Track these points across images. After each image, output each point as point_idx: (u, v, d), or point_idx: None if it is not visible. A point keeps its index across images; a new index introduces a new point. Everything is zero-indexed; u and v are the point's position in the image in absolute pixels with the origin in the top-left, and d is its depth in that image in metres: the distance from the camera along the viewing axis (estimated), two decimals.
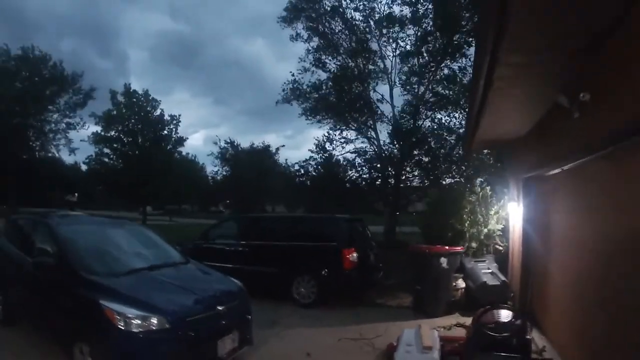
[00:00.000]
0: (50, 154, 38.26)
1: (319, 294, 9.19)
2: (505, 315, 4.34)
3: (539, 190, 7.64)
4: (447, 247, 8.70)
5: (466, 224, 9.51)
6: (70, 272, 5.13)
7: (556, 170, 6.21)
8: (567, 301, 5.66)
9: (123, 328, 4.41)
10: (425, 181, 19.57)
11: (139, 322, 4.46)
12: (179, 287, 5.26)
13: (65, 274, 5.16)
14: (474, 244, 9.48)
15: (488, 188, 10.05)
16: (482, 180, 11.70)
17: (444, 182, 18.49)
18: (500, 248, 9.65)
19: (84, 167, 44.83)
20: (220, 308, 5.10)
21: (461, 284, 8.87)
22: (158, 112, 40.05)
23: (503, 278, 8.64)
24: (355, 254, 9.16)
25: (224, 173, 52.00)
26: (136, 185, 37.53)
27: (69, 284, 5.06)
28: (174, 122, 40.93)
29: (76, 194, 62.53)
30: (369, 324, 7.73)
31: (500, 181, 11.05)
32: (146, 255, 6.17)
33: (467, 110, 17.11)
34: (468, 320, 7.76)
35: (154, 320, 4.50)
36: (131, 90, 39.28)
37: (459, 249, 8.83)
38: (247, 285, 6.31)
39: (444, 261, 8.44)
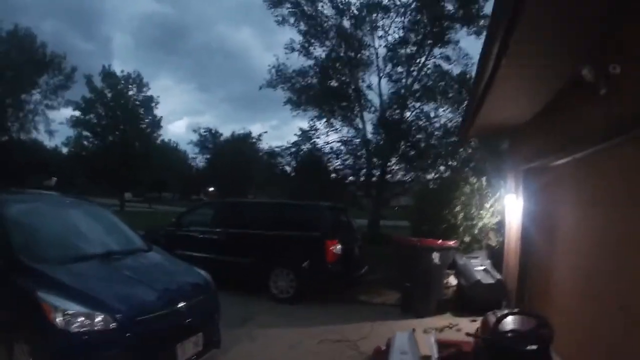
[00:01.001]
0: (27, 136, 36.95)
1: (298, 289, 8.43)
2: (522, 321, 3.61)
3: (541, 182, 7.01)
4: (439, 241, 7.93)
5: (459, 217, 8.82)
6: (9, 256, 4.27)
7: (564, 160, 5.62)
8: (575, 302, 5.06)
9: (61, 326, 3.64)
10: (411, 173, 18.98)
11: (81, 319, 3.68)
12: (133, 279, 4.46)
13: (4, 258, 4.31)
14: (467, 239, 8.81)
15: (484, 179, 9.36)
16: (474, 171, 11.02)
17: (428, 177, 18.03)
18: (494, 244, 9.00)
19: (64, 151, 43.65)
20: (181, 305, 4.33)
21: (453, 281, 8.20)
22: (133, 92, 39.20)
23: (498, 276, 8.03)
24: (339, 246, 8.41)
25: (204, 161, 51.31)
26: (114, 170, 36.55)
27: (7, 271, 4.22)
28: (152, 103, 40.11)
29: (54, 179, 60.93)
30: (353, 324, 7.01)
31: (496, 172, 10.43)
32: (102, 240, 5.32)
33: (457, 100, 16.99)
34: (461, 321, 7.18)
35: (98, 319, 3.72)
36: (110, 72, 38.35)
37: (452, 243, 8.08)
38: (221, 277, 5.59)
39: (435, 256, 7.67)
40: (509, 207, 8.35)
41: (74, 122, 37.81)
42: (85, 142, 39.29)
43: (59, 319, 3.64)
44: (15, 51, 32.95)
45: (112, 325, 3.74)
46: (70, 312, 3.67)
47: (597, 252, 4.50)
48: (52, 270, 4.15)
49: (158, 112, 41.57)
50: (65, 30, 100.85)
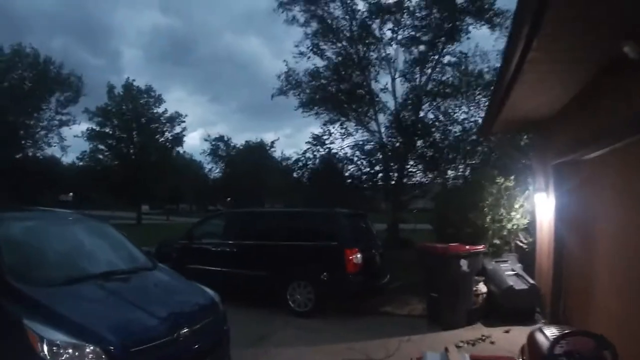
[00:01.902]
0: (41, 153, 37.09)
1: (317, 302, 7.92)
2: (576, 341, 3.05)
3: (575, 177, 6.46)
4: (467, 247, 7.35)
5: (487, 219, 8.23)
6: None
7: (601, 152, 5.09)
8: (625, 311, 4.46)
9: (47, 358, 3.20)
10: (429, 175, 18.42)
11: (69, 352, 3.24)
12: (132, 303, 3.96)
13: None
14: (497, 242, 8.23)
15: (512, 178, 8.76)
16: (499, 169, 10.40)
17: (448, 177, 17.49)
18: (525, 246, 8.41)
19: (80, 164, 43.77)
20: (185, 330, 3.84)
21: (482, 288, 7.61)
22: (162, 109, 39.41)
23: (531, 281, 7.45)
24: (359, 255, 7.89)
25: (218, 171, 51.26)
26: (129, 183, 36.52)
27: None
28: (178, 120, 40.26)
29: (71, 194, 61.39)
30: (376, 340, 6.43)
31: (522, 170, 9.85)
32: (101, 259, 4.87)
33: (478, 93, 16.46)
34: (494, 332, 6.61)
35: (89, 350, 3.27)
36: (132, 85, 38.50)
37: (480, 248, 7.51)
38: (236, 291, 5.10)
39: (464, 263, 7.08)
40: (539, 206, 7.81)
41: (90, 135, 37.90)
42: (101, 156, 39.34)
43: (45, 350, 3.22)
44: (25, 69, 33.12)
45: (104, 357, 3.28)
46: (57, 342, 3.24)
47: None
48: (42, 293, 3.71)
49: (180, 128, 41.56)
50: (73, 45, 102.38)
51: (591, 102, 5.30)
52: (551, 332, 3.43)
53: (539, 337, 3.41)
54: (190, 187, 61.56)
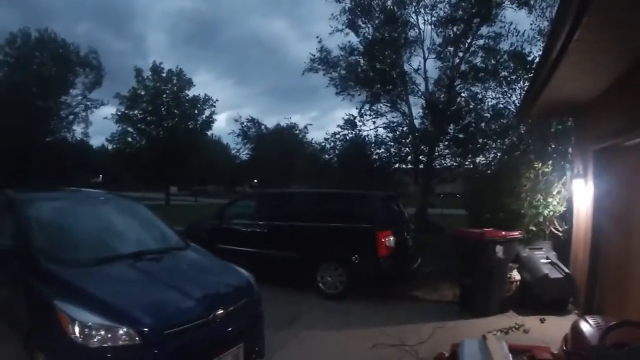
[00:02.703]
0: (70, 136, 37.68)
1: (348, 284, 7.88)
2: (628, 334, 2.91)
3: (616, 164, 6.25)
4: (503, 232, 7.17)
5: (524, 205, 8.02)
6: (28, 259, 3.93)
7: None
8: None
9: (79, 340, 3.21)
10: (459, 159, 18.17)
11: (101, 333, 3.24)
12: (165, 283, 3.96)
13: (24, 261, 3.96)
14: (532, 228, 8.04)
15: (550, 162, 8.51)
16: (535, 153, 10.12)
17: (479, 161, 17.24)
18: (560, 234, 8.19)
19: (109, 148, 44.45)
20: (219, 312, 3.79)
21: (516, 276, 7.45)
22: (191, 92, 39.57)
23: (567, 270, 7.28)
24: (392, 238, 7.78)
25: (246, 152, 51.38)
26: (158, 165, 36.94)
27: (26, 274, 3.88)
28: (208, 104, 40.43)
29: (101, 176, 62.61)
30: (409, 325, 6.37)
31: (559, 155, 9.57)
32: (133, 239, 4.89)
33: (512, 76, 16.09)
34: (527, 321, 6.47)
35: (121, 332, 3.26)
36: (159, 68, 38.68)
37: (516, 234, 7.31)
38: (266, 272, 5.05)
39: (499, 249, 6.90)
40: (577, 193, 7.59)
41: (119, 118, 38.34)
42: (130, 139, 39.78)
43: (76, 332, 3.23)
44: (49, 54, 33.56)
45: (137, 339, 3.28)
46: (89, 324, 3.24)
47: None
48: (73, 274, 3.75)
49: (210, 111, 41.73)
50: (98, 31, 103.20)
51: (636, 83, 5.07)
52: (596, 322, 3.31)
53: (585, 326, 3.29)
54: (218, 169, 61.97)
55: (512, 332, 6.08)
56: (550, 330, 6.01)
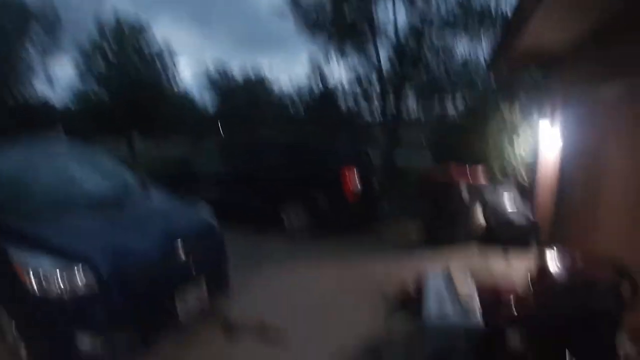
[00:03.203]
0: (29, 93, 35.96)
1: (315, 224, 7.83)
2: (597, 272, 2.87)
3: (589, 114, 6.22)
4: (469, 176, 7.21)
5: (489, 144, 8.05)
6: None
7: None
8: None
9: (37, 289, 3.11)
10: (427, 108, 18.10)
11: (57, 276, 3.12)
12: (123, 226, 3.86)
13: None
14: (497, 172, 8.11)
15: (518, 109, 8.51)
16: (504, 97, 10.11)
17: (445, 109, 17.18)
18: (526, 178, 8.29)
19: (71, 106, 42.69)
20: (179, 251, 3.75)
21: (481, 219, 7.53)
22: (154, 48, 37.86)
23: (531, 217, 7.34)
24: (357, 176, 7.76)
25: (212, 104, 50.30)
26: (120, 117, 35.78)
27: None
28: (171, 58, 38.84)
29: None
30: (375, 262, 6.47)
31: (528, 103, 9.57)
32: (93, 185, 4.75)
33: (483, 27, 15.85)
34: (491, 258, 6.56)
35: (77, 273, 3.15)
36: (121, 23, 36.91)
37: (481, 178, 7.37)
38: (230, 214, 4.94)
39: (465, 192, 6.99)
40: (544, 138, 7.61)
41: (79, 75, 36.73)
42: (92, 96, 38.24)
43: (34, 280, 3.11)
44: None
45: (96, 280, 3.18)
46: (45, 268, 3.13)
47: None
48: (30, 224, 3.58)
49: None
50: None
51: (612, 35, 5.00)
52: (560, 254, 3.31)
53: (548, 258, 3.27)
54: (182, 120, 60.69)
55: (477, 269, 6.15)
56: (516, 266, 6.12)
